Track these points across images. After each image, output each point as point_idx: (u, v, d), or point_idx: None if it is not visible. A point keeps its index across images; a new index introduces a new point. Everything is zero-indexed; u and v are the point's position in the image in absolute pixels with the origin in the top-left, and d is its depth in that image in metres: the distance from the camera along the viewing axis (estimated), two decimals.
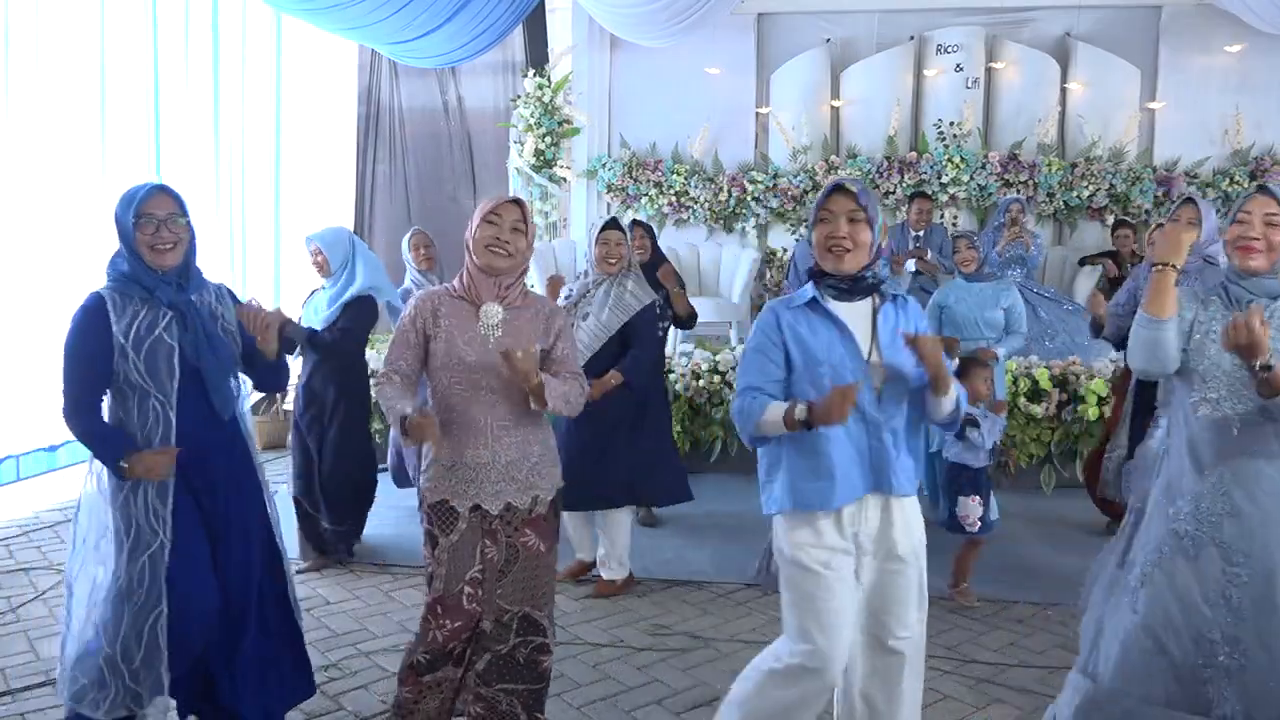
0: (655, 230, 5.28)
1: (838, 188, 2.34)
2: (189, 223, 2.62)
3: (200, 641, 2.64)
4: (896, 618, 2.42)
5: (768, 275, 7.98)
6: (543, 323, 2.67)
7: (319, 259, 4.43)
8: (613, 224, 4.25)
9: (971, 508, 3.99)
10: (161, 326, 2.55)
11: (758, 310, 7.85)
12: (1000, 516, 4.18)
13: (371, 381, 2.68)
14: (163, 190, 2.59)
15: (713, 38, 7.82)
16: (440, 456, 2.60)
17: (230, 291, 2.82)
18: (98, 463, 2.63)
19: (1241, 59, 7.72)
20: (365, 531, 4.87)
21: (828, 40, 8.14)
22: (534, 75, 8.21)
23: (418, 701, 2.66)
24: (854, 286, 2.37)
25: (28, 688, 3.33)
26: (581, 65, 8.30)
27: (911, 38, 8.01)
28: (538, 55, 8.46)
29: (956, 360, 4.12)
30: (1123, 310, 4.19)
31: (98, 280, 2.64)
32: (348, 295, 4.40)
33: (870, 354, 2.34)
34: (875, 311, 2.38)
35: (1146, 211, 7.71)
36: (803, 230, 7.12)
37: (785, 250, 8.00)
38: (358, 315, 4.42)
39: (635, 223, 5.21)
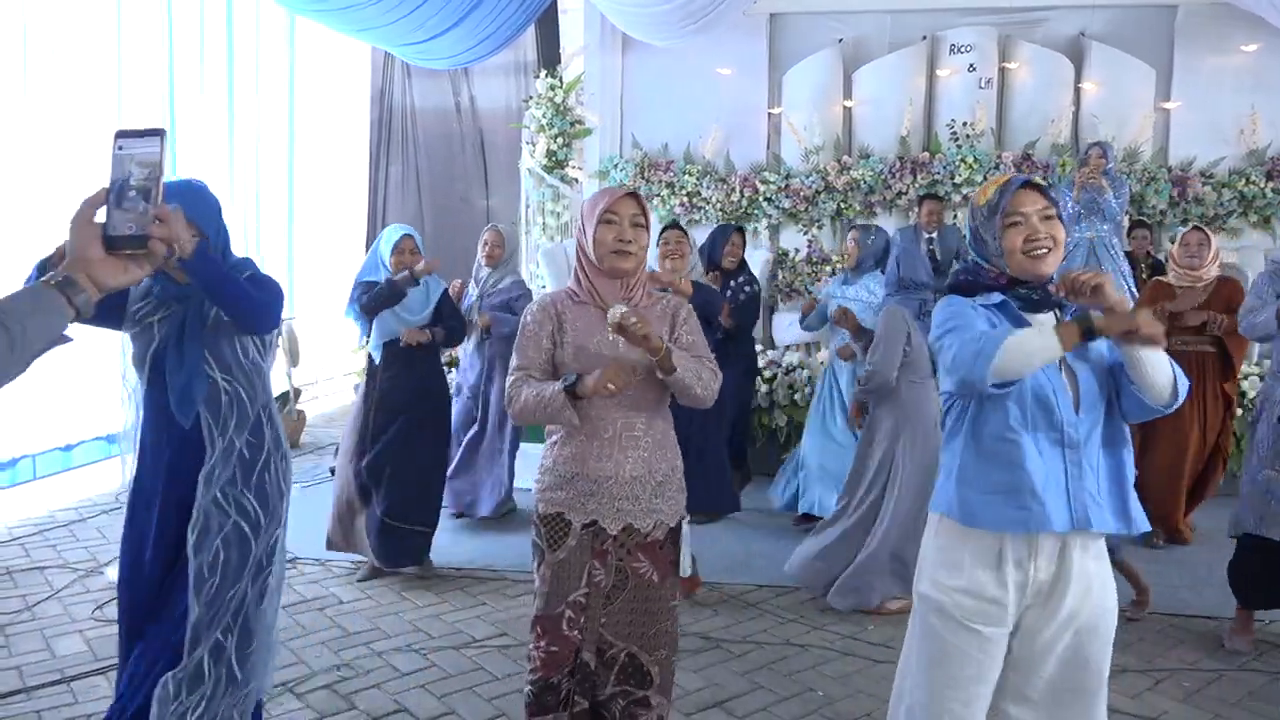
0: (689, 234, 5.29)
1: (1027, 184, 2.08)
2: (199, 219, 2.51)
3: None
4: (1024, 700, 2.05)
5: (780, 276, 7.97)
6: (669, 317, 2.50)
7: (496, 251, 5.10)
8: (673, 224, 4.16)
9: None
10: (156, 317, 2.54)
11: (770, 311, 7.92)
12: None
13: (506, 398, 2.46)
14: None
15: (724, 38, 7.80)
16: (559, 465, 2.44)
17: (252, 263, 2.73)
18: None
19: (1257, 58, 7.67)
20: None
21: (840, 40, 8.12)
22: (546, 76, 8.22)
23: None
24: (1045, 296, 2.08)
25: (42, 685, 3.35)
26: (593, 66, 8.30)
27: (924, 38, 7.97)
28: (549, 56, 8.47)
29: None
30: (1256, 302, 3.84)
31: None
32: (440, 291, 4.52)
33: (1060, 366, 2.03)
34: (1058, 322, 2.04)
35: (1162, 212, 7.67)
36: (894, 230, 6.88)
37: (797, 250, 7.99)
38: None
39: (735, 229, 5.29)
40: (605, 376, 2.27)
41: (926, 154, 7.83)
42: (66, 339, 1.35)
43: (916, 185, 7.71)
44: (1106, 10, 7.86)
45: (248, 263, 2.64)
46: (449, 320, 4.50)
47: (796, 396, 6.25)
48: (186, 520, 2.52)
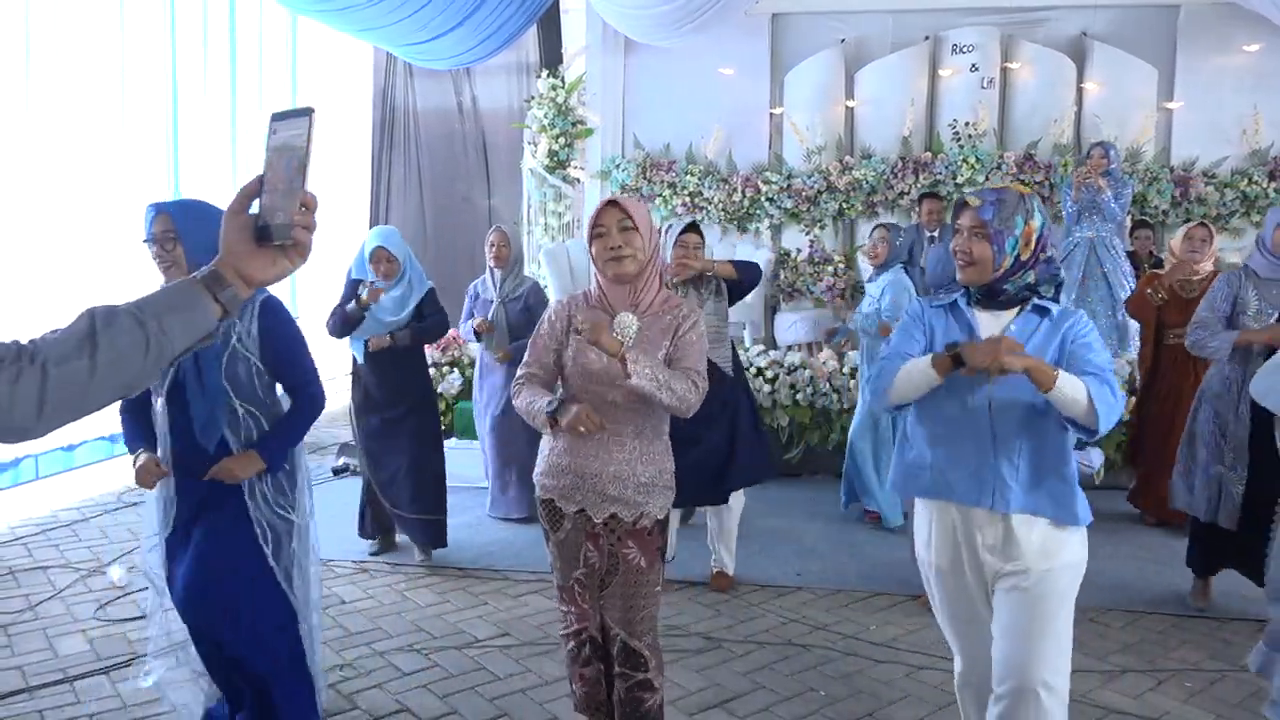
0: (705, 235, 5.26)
1: (964, 204, 2.37)
2: (185, 238, 2.52)
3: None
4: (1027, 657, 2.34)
5: (782, 276, 7.97)
6: (671, 331, 2.55)
7: (503, 251, 5.07)
8: (691, 226, 4.15)
9: None
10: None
11: (772, 312, 7.92)
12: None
13: (514, 381, 2.63)
14: (158, 210, 2.56)
15: (726, 38, 7.80)
16: (553, 456, 2.60)
17: (266, 304, 2.69)
18: None
19: (1259, 58, 7.66)
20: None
21: (842, 40, 8.11)
22: (548, 76, 8.22)
23: (586, 691, 2.73)
24: (990, 296, 2.37)
25: (45, 685, 3.36)
26: (595, 66, 8.30)
27: (926, 38, 7.97)
28: (551, 56, 8.47)
29: None
30: (1208, 315, 4.02)
31: (116, 283, 2.72)
32: (423, 291, 4.62)
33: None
34: (1011, 321, 2.37)
35: (1164, 212, 7.66)
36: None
37: (799, 250, 7.99)
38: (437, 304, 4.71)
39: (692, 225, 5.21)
40: (579, 418, 2.41)
41: (928, 154, 7.83)
42: (211, 338, 1.26)
43: (918, 185, 7.71)
44: (1108, 10, 7.85)
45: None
46: (429, 318, 4.62)
47: (799, 397, 6.25)
48: (229, 533, 2.66)
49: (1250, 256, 4.06)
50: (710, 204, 8.16)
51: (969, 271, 2.36)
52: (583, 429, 2.40)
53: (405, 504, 4.62)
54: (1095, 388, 2.16)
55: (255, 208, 1.24)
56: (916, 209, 7.31)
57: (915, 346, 2.40)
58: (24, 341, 1.16)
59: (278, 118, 1.24)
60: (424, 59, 7.77)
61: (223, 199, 2.69)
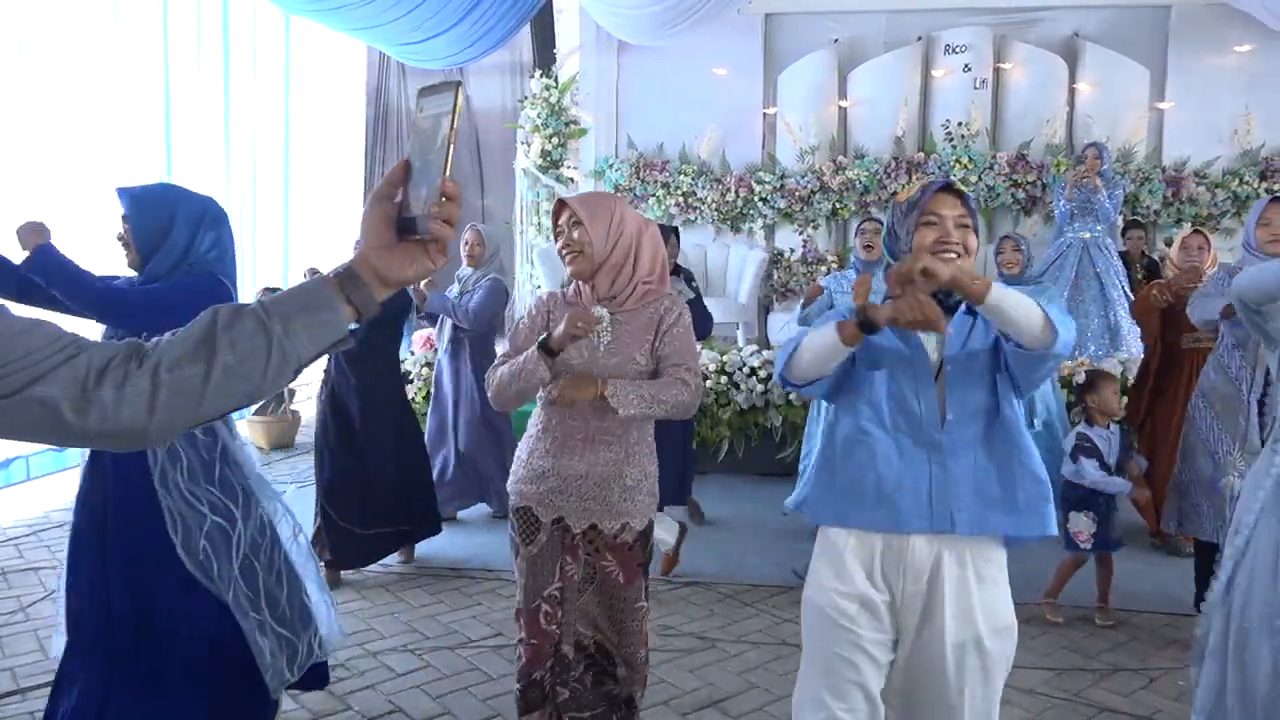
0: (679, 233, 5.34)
1: (945, 188, 2.09)
2: (132, 225, 2.60)
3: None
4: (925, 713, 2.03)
5: (775, 276, 7.98)
6: (655, 324, 2.49)
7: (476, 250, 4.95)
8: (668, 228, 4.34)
9: (1085, 523, 3.88)
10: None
11: (765, 311, 7.93)
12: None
13: (489, 371, 2.55)
14: (118, 193, 2.63)
15: (719, 38, 7.81)
16: (533, 460, 2.51)
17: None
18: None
19: (1251, 59, 7.69)
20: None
21: (835, 40, 8.13)
22: (541, 76, 8.22)
23: None
24: (946, 299, 2.03)
25: (37, 686, 3.34)
26: (588, 66, 8.30)
27: (919, 38, 7.99)
28: (545, 56, 8.47)
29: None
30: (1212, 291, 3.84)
31: (118, 274, 2.75)
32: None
33: (939, 370, 2.03)
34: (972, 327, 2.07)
35: (1155, 212, 7.69)
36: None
37: (792, 250, 7.99)
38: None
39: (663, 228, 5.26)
40: (571, 325, 2.35)
41: (922, 154, 7.85)
42: (346, 342, 1.11)
43: (912, 185, 7.72)
44: (1101, 10, 7.88)
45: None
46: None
47: (792, 396, 6.25)
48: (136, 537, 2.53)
49: (1241, 258, 4.05)
50: (704, 204, 8.16)
51: (960, 265, 2.03)
52: (580, 325, 2.34)
53: (404, 513, 4.52)
54: (1044, 301, 1.91)
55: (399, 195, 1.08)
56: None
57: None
58: (143, 342, 1.06)
59: (425, 92, 1.07)
60: (417, 59, 7.76)
61: (214, 195, 2.72)
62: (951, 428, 2.00)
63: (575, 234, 2.48)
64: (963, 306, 2.04)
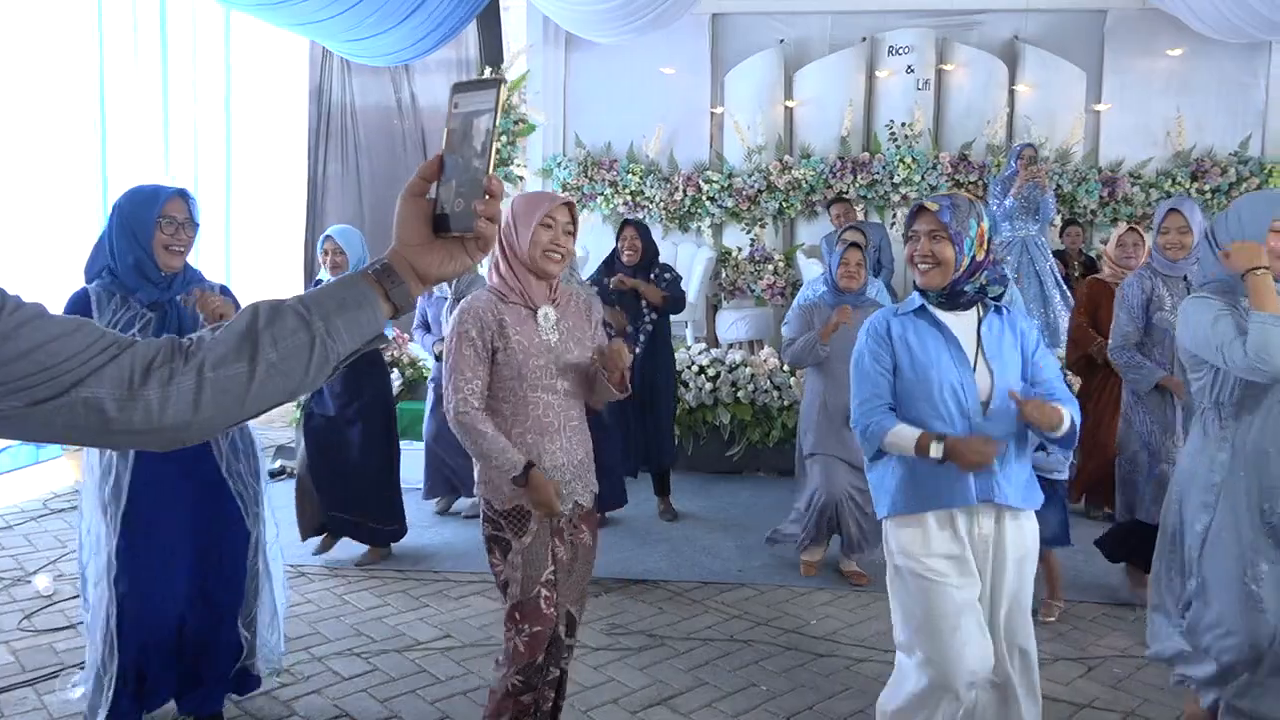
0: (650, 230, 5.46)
1: (920, 208, 2.44)
2: (197, 232, 2.71)
3: (149, 637, 2.75)
4: (1016, 623, 2.49)
5: (723, 274, 8.02)
6: (586, 313, 2.67)
7: (339, 258, 4.45)
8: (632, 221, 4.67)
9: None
10: (137, 327, 2.59)
11: (714, 310, 7.96)
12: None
13: (453, 419, 2.46)
14: (184, 195, 2.69)
15: (667, 37, 7.83)
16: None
17: (226, 289, 2.87)
18: (92, 454, 2.67)
19: (1183, 62, 7.91)
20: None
21: (781, 41, 8.19)
22: (490, 74, 8.16)
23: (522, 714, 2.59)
24: (952, 298, 2.44)
25: (6, 689, 3.25)
26: (536, 64, 8.26)
27: (863, 39, 8.08)
28: (492, 54, 8.41)
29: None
30: (1130, 328, 4.14)
31: (52, 274, 2.70)
32: None
33: (975, 362, 2.43)
34: (980, 321, 2.47)
35: (1092, 211, 7.87)
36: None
37: (740, 249, 8.04)
38: None
39: (628, 222, 5.35)
40: (549, 496, 2.45)
41: (866, 154, 7.94)
42: (383, 339, 1.11)
43: (857, 185, 7.82)
44: (1039, 14, 8.04)
45: None
46: None
47: (740, 394, 6.29)
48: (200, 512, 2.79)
49: (1151, 255, 4.21)
50: (651, 203, 8.17)
51: (933, 275, 2.42)
52: (544, 509, 2.47)
53: (359, 506, 4.57)
54: (1072, 410, 2.40)
55: (432, 192, 1.09)
56: (827, 213, 7.39)
57: (887, 383, 2.45)
58: (181, 339, 1.05)
59: (461, 89, 1.08)
60: (361, 55, 7.66)
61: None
62: (994, 414, 2.41)
63: (565, 240, 2.54)
64: (989, 305, 2.48)
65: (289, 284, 7.71)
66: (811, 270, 7.44)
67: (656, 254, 5.33)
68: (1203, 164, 7.79)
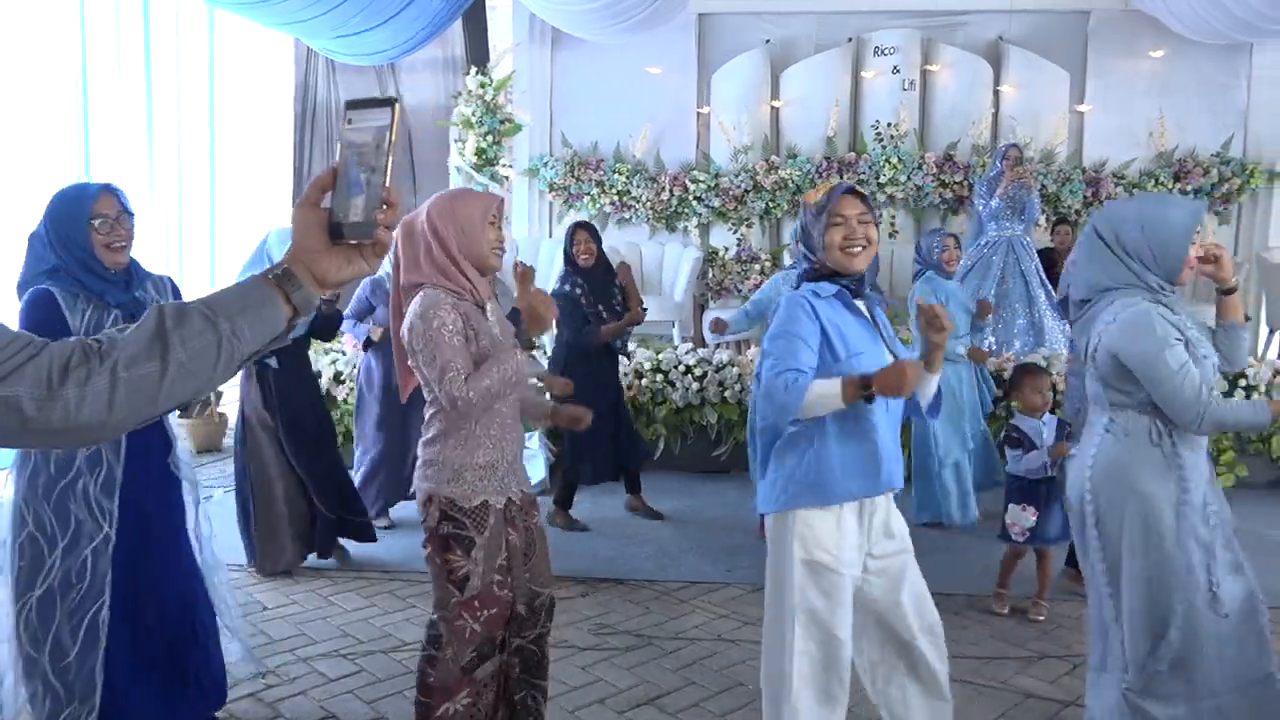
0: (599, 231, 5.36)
1: (851, 190, 2.41)
2: (134, 220, 2.64)
3: (154, 633, 2.71)
4: (925, 604, 2.51)
5: (710, 274, 8.02)
6: (504, 310, 2.76)
7: None
8: (583, 224, 4.66)
9: (1020, 516, 3.95)
10: (107, 325, 2.52)
11: (700, 309, 7.98)
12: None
13: (459, 393, 2.42)
14: (110, 190, 2.61)
15: (654, 37, 7.83)
16: (477, 460, 2.55)
17: (173, 282, 2.82)
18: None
19: (1164, 64, 7.97)
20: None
21: (767, 41, 8.21)
22: (475, 73, 8.15)
23: (476, 702, 2.61)
24: (860, 284, 2.43)
25: None
26: (522, 63, 8.26)
27: (849, 39, 8.11)
28: (478, 53, 8.40)
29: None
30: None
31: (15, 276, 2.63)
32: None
33: (885, 345, 2.44)
34: (870, 308, 2.48)
35: (1076, 211, 7.92)
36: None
37: (727, 249, 8.05)
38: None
39: (580, 225, 5.22)
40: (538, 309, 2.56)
41: (852, 154, 7.96)
42: (284, 339, 1.17)
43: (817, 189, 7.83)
44: (1023, 15, 8.08)
45: None
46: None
47: (726, 394, 6.30)
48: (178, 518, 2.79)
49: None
50: (638, 203, 8.18)
51: (862, 257, 2.38)
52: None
53: (336, 504, 4.56)
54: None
55: (329, 201, 1.16)
56: None
57: (811, 358, 2.31)
58: (89, 340, 1.08)
59: (354, 105, 1.16)
60: (345, 54, 7.64)
61: (139, 192, 2.66)
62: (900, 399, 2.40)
63: (502, 234, 2.60)
64: (874, 292, 2.48)
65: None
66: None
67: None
68: (1185, 164, 7.85)
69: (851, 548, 2.39)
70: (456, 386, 2.42)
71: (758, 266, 7.84)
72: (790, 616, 2.39)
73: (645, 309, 5.13)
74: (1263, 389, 6.14)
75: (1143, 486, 2.44)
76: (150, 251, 6.89)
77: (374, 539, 4.65)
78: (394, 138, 1.13)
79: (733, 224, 8.13)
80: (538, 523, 2.74)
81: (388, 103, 1.13)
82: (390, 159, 1.12)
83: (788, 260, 7.73)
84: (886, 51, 7.97)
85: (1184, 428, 2.40)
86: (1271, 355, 7.29)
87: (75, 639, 2.54)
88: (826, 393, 2.25)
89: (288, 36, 8.04)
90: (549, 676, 2.80)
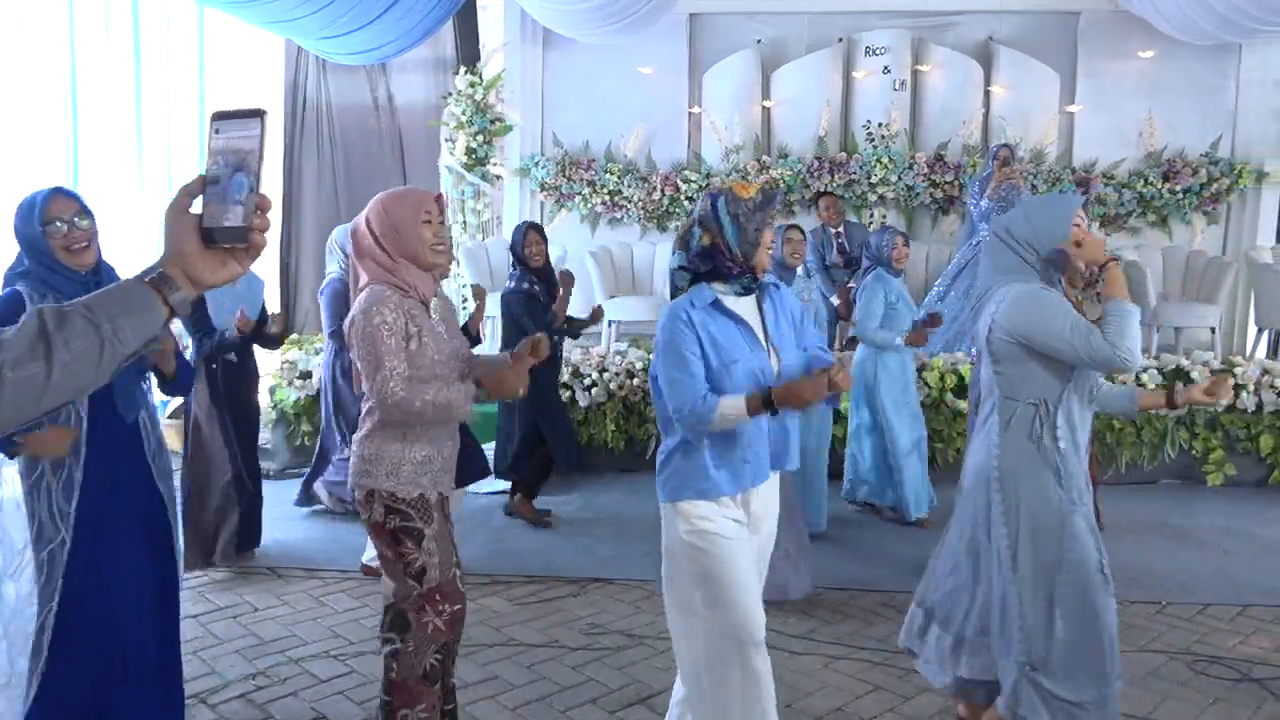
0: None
1: (770, 201, 2.53)
2: (93, 218, 2.60)
3: (92, 651, 2.60)
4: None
5: None
6: (454, 314, 2.79)
7: None
8: (533, 225, 4.67)
9: None
10: None
11: None
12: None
13: (390, 394, 2.45)
14: (60, 192, 2.59)
15: (645, 37, 7.83)
16: (413, 454, 2.57)
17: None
18: (9, 466, 2.58)
19: (1154, 64, 7.99)
20: (293, 535, 4.81)
21: (758, 41, 8.21)
22: (466, 73, 8.14)
23: (431, 716, 2.61)
24: (754, 285, 2.54)
25: None
26: (514, 63, 8.24)
27: (840, 40, 8.12)
28: (469, 52, 8.39)
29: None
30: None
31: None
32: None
33: (767, 343, 2.52)
34: (760, 304, 2.57)
35: None
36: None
37: None
38: None
39: (532, 226, 5.29)
40: (522, 368, 2.56)
41: (844, 154, 7.97)
42: (157, 343, 1.23)
43: (834, 185, 7.85)
44: (1013, 16, 8.10)
45: None
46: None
47: None
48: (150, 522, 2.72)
49: None
50: (630, 202, 8.18)
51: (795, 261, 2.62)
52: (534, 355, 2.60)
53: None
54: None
55: (199, 206, 1.20)
56: (815, 208, 7.53)
57: (702, 369, 2.43)
58: None
59: (222, 117, 1.22)
60: (336, 54, 7.62)
61: (127, 192, 2.65)
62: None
63: (443, 232, 2.61)
64: (764, 286, 2.55)
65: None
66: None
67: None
68: (1174, 165, 7.88)
69: (731, 520, 2.49)
70: (389, 387, 2.44)
71: None
72: (688, 588, 2.51)
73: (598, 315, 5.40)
74: (1251, 388, 6.18)
75: (1035, 476, 2.59)
76: (140, 251, 6.89)
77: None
78: (263, 148, 1.19)
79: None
80: (450, 518, 2.76)
81: (256, 114, 1.20)
82: (260, 168, 1.19)
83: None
84: (877, 52, 7.98)
85: (1114, 371, 2.55)
86: (1260, 354, 7.33)
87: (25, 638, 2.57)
88: (731, 410, 2.39)
89: (278, 36, 8.02)
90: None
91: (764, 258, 2.51)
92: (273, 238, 6.86)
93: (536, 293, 5.04)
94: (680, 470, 2.51)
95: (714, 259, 2.49)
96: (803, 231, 4.93)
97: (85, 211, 2.58)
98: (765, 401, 2.36)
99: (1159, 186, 7.82)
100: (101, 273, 2.63)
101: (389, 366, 2.44)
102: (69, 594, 2.55)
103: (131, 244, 6.85)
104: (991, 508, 2.65)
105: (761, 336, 2.52)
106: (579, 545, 4.88)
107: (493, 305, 5.83)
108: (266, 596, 4.25)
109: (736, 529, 2.49)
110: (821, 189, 7.75)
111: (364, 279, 2.56)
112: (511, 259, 5.20)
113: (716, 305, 2.48)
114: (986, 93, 8.05)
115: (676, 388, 2.43)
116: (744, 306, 2.52)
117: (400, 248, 2.53)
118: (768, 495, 2.59)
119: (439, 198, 2.62)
